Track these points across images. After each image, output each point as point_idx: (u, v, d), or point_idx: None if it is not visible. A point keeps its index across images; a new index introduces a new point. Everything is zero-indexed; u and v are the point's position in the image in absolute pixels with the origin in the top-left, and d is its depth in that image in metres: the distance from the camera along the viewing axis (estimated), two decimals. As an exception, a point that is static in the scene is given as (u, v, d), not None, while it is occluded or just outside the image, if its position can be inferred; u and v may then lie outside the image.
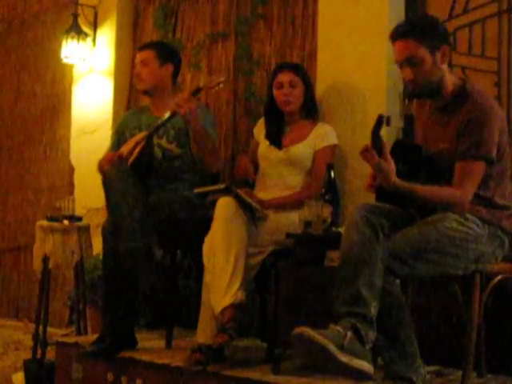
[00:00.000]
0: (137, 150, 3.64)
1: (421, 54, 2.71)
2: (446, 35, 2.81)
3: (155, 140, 3.74)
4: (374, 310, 2.51)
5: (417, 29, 2.73)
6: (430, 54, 2.72)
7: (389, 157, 2.59)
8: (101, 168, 3.76)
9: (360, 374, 2.45)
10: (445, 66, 2.78)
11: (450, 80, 2.80)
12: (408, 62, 2.73)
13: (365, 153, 2.60)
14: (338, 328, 2.46)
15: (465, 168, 2.68)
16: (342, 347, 2.41)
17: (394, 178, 2.60)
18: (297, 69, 3.65)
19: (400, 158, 2.68)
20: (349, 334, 2.44)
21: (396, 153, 2.68)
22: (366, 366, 2.45)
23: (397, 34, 2.76)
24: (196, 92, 3.56)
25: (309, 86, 3.62)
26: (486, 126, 2.67)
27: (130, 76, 4.80)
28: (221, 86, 3.58)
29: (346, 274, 2.56)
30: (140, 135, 3.72)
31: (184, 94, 3.50)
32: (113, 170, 3.52)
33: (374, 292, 2.51)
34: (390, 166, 2.59)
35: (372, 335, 2.50)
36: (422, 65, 2.72)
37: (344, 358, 2.41)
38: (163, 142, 3.76)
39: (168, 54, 3.92)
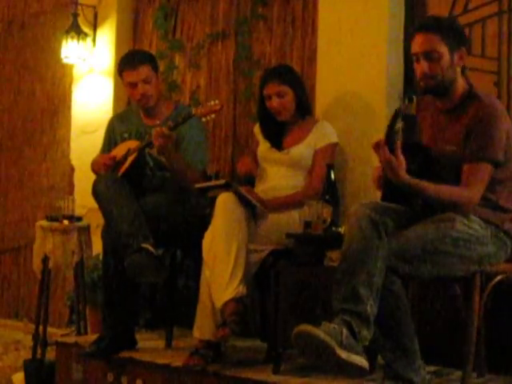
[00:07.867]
0: (129, 160, 3.63)
1: (441, 51, 2.73)
2: (467, 40, 2.85)
3: (146, 149, 3.66)
4: (370, 309, 2.50)
5: (442, 26, 2.76)
6: (449, 53, 2.75)
7: (399, 152, 2.59)
8: (94, 169, 3.78)
9: (358, 370, 2.46)
10: (459, 69, 2.80)
11: (461, 83, 2.81)
12: (426, 55, 2.74)
13: (377, 147, 2.61)
14: (333, 325, 2.46)
15: (472, 170, 2.68)
16: (340, 343, 2.42)
17: (404, 174, 2.60)
18: (281, 76, 3.52)
19: (409, 158, 2.67)
20: (344, 330, 2.45)
21: (405, 153, 2.67)
22: (363, 361, 2.46)
23: (422, 27, 2.78)
24: (178, 125, 3.43)
25: (298, 89, 3.53)
26: (494, 128, 2.68)
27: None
28: (212, 116, 3.44)
29: (344, 270, 2.56)
30: (133, 143, 3.69)
31: (164, 129, 3.38)
32: (101, 178, 3.51)
33: (371, 290, 2.51)
34: (400, 161, 2.59)
35: (367, 334, 2.50)
36: (440, 61, 2.74)
37: (343, 354, 2.42)
38: (153, 152, 3.66)
39: (155, 61, 3.82)
